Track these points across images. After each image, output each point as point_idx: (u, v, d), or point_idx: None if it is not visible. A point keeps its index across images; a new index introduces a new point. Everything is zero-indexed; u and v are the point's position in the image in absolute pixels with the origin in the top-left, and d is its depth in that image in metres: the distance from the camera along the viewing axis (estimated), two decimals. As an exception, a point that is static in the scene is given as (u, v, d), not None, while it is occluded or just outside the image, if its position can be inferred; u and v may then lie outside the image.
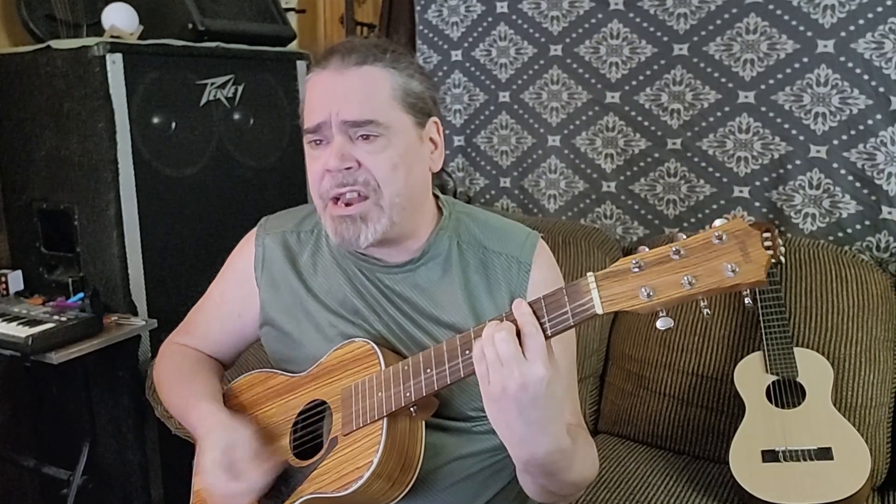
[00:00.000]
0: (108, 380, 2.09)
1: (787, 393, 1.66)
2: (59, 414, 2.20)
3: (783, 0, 2.00)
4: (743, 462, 1.59)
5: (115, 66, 1.95)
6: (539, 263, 1.17)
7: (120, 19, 2.09)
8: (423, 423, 1.07)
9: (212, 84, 2.20)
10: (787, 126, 2.05)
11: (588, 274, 0.88)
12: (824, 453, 1.55)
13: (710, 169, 2.18)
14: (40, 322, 1.86)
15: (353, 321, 1.17)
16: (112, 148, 1.97)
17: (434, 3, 2.55)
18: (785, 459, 1.56)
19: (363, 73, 1.09)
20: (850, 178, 1.98)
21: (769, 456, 1.57)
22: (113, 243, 2.01)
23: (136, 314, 2.05)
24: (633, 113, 2.27)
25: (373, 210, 1.09)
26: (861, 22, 1.91)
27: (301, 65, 2.48)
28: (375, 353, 1.08)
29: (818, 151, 2.02)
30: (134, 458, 2.12)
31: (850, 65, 1.94)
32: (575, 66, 2.34)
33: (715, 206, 2.19)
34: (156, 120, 2.07)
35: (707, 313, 0.84)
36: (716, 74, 2.13)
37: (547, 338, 0.91)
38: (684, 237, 0.84)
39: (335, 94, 1.08)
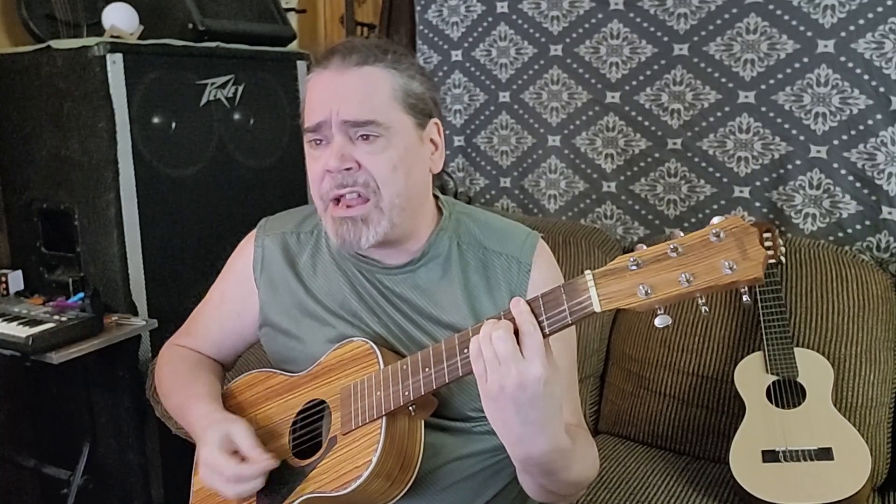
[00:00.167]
0: (108, 380, 2.09)
1: (787, 393, 1.66)
2: (59, 414, 2.20)
3: (783, 0, 2.00)
4: (743, 462, 1.59)
5: (115, 66, 1.95)
6: (539, 263, 1.17)
7: (120, 19, 2.09)
8: (423, 422, 1.07)
9: (212, 84, 2.20)
10: (787, 126, 2.05)
11: (586, 272, 0.88)
12: (824, 453, 1.55)
13: (711, 169, 2.18)
14: (40, 322, 1.86)
15: (353, 322, 1.17)
16: (112, 148, 1.97)
17: (434, 3, 2.55)
18: (785, 459, 1.56)
19: (364, 74, 1.09)
20: (851, 178, 1.98)
21: (769, 456, 1.57)
22: (113, 243, 2.01)
23: (136, 314, 2.06)
24: (634, 113, 2.27)
25: (373, 212, 1.09)
26: (861, 22, 1.91)
27: (301, 65, 2.48)
28: (374, 352, 1.08)
29: (818, 151, 2.02)
30: (134, 458, 2.12)
31: (850, 65, 1.94)
32: (575, 66, 2.34)
33: (715, 206, 2.19)
34: (156, 120, 2.07)
35: (705, 311, 0.84)
36: (716, 74, 2.13)
37: (545, 336, 0.90)
38: (682, 235, 0.84)
39: (335, 93, 1.08)
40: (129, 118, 1.99)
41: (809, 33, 1.98)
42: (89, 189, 2.02)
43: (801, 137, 2.04)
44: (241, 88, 2.29)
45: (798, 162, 2.05)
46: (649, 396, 1.93)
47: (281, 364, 1.25)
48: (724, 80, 2.12)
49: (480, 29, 2.49)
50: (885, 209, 1.95)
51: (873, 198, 1.96)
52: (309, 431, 1.15)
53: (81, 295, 2.00)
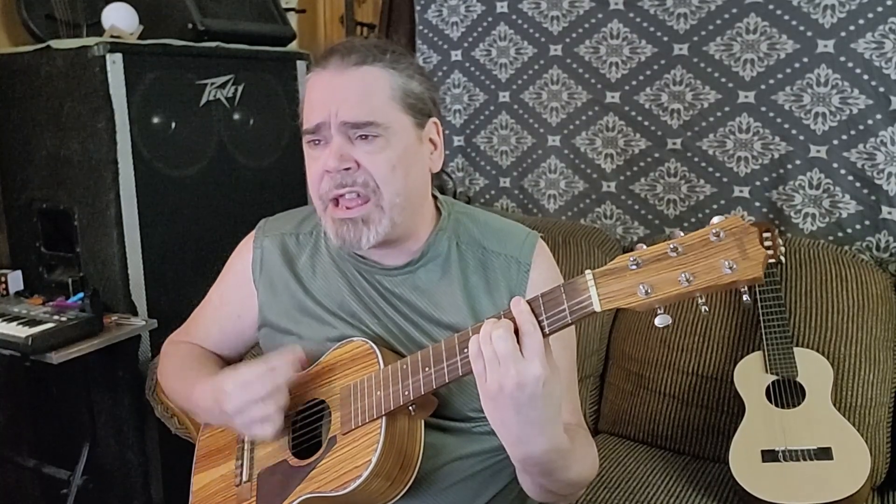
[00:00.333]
0: (108, 380, 2.09)
1: (787, 393, 1.66)
2: (58, 414, 2.20)
3: (783, 0, 2.00)
4: (743, 462, 1.59)
5: (115, 66, 1.95)
6: (538, 263, 1.17)
7: (120, 19, 2.09)
8: (422, 422, 1.07)
9: (212, 84, 2.20)
10: (787, 126, 2.05)
11: (586, 271, 0.88)
12: (824, 453, 1.55)
13: (711, 169, 2.18)
14: (40, 322, 1.86)
15: (352, 323, 1.17)
16: (112, 148, 1.97)
17: (434, 3, 2.55)
18: (785, 459, 1.56)
19: (363, 74, 1.09)
20: (850, 178, 1.98)
21: (769, 456, 1.57)
22: (113, 243, 2.01)
23: (136, 314, 2.05)
24: (633, 113, 2.27)
25: (374, 212, 1.09)
26: (861, 22, 1.91)
27: (301, 65, 2.48)
28: (374, 352, 1.08)
29: (818, 151, 2.02)
30: (134, 458, 2.12)
31: (850, 65, 1.94)
32: (575, 65, 2.34)
33: (715, 206, 2.19)
34: (156, 120, 2.07)
35: (705, 311, 0.84)
36: (716, 74, 2.13)
37: (545, 336, 0.90)
38: (682, 235, 0.84)
39: (334, 94, 1.08)
40: (128, 118, 1.99)
41: (809, 33, 1.98)
42: (89, 189, 2.02)
43: (801, 137, 2.04)
44: (240, 88, 2.29)
45: (798, 162, 2.05)
46: (649, 396, 1.93)
47: (280, 364, 1.24)
48: (723, 79, 2.12)
49: (480, 29, 2.49)
50: (884, 209, 1.95)
51: (873, 198, 1.96)
52: (309, 431, 1.15)
53: (81, 295, 2.00)
